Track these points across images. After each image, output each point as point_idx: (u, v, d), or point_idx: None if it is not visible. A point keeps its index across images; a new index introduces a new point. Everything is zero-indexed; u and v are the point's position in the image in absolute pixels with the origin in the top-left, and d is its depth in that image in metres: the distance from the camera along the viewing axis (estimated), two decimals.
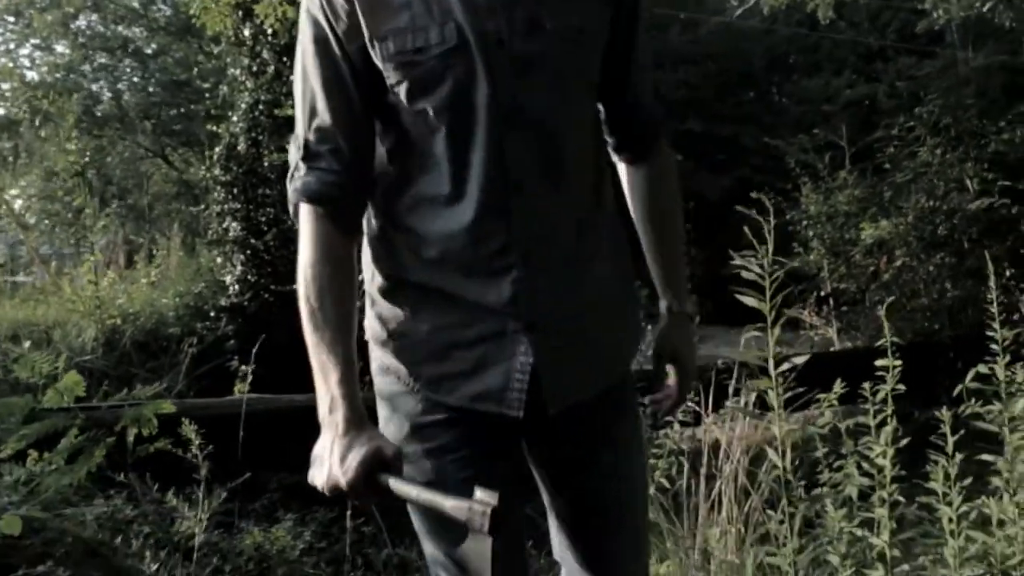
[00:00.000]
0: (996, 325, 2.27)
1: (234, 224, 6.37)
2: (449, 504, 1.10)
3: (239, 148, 6.34)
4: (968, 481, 2.12)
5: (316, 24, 1.25)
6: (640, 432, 1.50)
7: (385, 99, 1.25)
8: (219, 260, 6.56)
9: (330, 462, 1.18)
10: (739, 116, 14.23)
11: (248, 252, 6.32)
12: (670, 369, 1.53)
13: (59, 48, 17.45)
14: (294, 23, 5.05)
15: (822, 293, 8.35)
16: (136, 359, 5.55)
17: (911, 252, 8.02)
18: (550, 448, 1.39)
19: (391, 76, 1.22)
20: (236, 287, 6.28)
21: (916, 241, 8.04)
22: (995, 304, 2.30)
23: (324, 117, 1.25)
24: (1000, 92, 10.02)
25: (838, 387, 2.51)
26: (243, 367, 3.78)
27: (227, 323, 6.10)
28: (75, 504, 2.87)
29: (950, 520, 2.10)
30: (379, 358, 1.37)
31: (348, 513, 3.03)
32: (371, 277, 1.37)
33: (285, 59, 6.16)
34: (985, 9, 10.70)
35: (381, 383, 1.37)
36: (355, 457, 1.16)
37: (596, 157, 1.37)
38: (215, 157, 6.54)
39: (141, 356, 5.70)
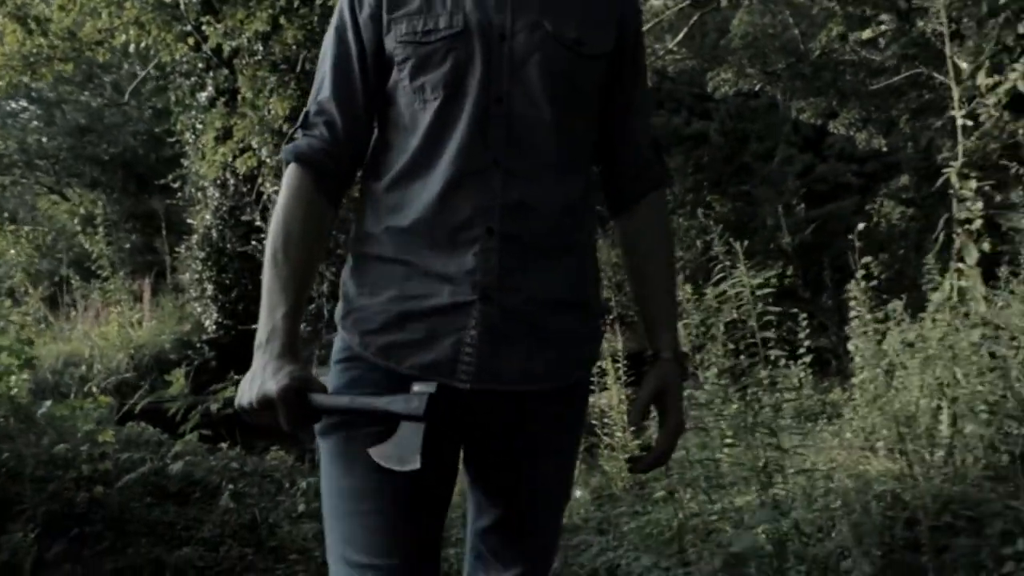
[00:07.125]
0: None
1: (209, 286, 9.46)
2: (383, 401, 1.15)
3: (212, 235, 9.42)
4: None
5: (340, 15, 1.39)
6: (578, 444, 1.49)
7: (389, 81, 1.35)
8: (199, 309, 9.63)
9: (262, 377, 1.21)
10: None
11: (219, 304, 9.36)
12: (654, 420, 1.43)
13: None
14: (256, 166, 7.76)
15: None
16: (154, 375, 8.54)
17: None
18: (484, 435, 1.36)
19: (400, 53, 1.32)
20: (214, 327, 9.22)
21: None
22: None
23: (326, 93, 1.37)
24: (811, 129, 13.10)
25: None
26: (235, 376, 7.05)
27: (209, 351, 8.99)
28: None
29: None
30: (339, 336, 1.38)
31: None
32: (346, 264, 1.39)
33: (242, 179, 9.05)
34: (758, 89, 14.81)
35: (336, 360, 1.37)
36: (287, 372, 1.20)
37: (582, 163, 1.40)
38: (193, 239, 9.65)
39: (154, 373, 8.63)
